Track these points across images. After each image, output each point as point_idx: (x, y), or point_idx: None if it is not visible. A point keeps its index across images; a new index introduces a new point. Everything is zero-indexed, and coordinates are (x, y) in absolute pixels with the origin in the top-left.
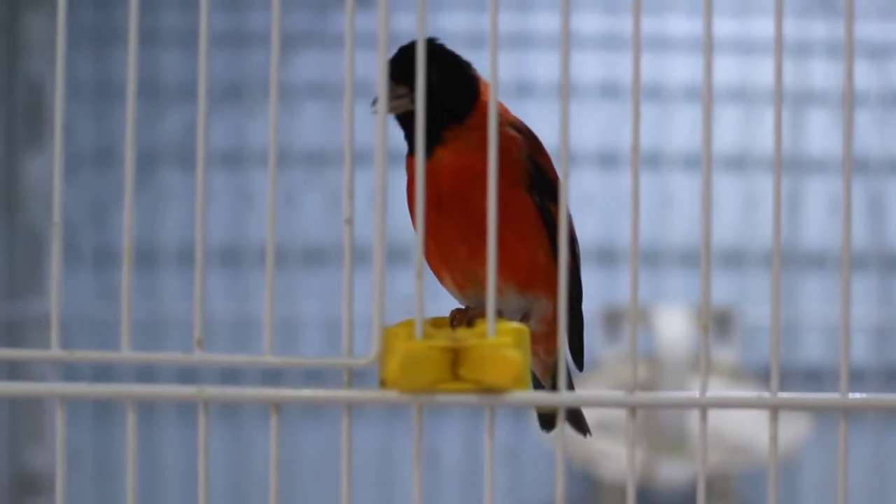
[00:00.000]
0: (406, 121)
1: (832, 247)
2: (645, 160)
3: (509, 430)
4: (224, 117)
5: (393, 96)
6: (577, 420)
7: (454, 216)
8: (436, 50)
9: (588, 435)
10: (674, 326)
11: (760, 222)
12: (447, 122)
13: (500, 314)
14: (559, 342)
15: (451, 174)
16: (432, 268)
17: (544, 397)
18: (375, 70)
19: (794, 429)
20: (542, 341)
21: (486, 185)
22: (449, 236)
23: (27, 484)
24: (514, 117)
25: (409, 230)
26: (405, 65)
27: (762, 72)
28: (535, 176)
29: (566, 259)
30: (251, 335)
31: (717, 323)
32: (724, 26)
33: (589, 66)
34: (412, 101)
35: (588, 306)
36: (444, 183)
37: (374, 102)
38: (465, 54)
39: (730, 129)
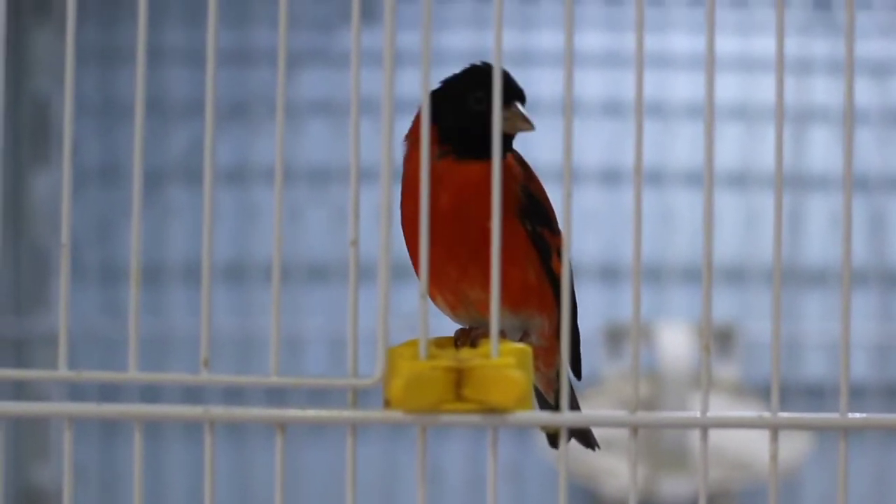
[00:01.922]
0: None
1: (833, 263)
2: (647, 177)
3: (513, 448)
4: (229, 135)
5: (522, 119)
6: (584, 436)
7: (446, 237)
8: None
9: (597, 448)
10: (676, 343)
11: (762, 239)
12: (480, 153)
13: (504, 334)
14: (561, 359)
15: (447, 189)
16: None
17: (547, 417)
18: (381, 87)
19: (796, 446)
20: (542, 355)
21: (480, 210)
22: (439, 257)
23: (33, 501)
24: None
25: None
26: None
27: (764, 89)
28: (526, 205)
29: (568, 279)
30: (256, 351)
31: (719, 339)
32: (725, 44)
33: (592, 84)
34: (531, 125)
35: (590, 323)
36: (440, 198)
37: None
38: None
39: (732, 146)
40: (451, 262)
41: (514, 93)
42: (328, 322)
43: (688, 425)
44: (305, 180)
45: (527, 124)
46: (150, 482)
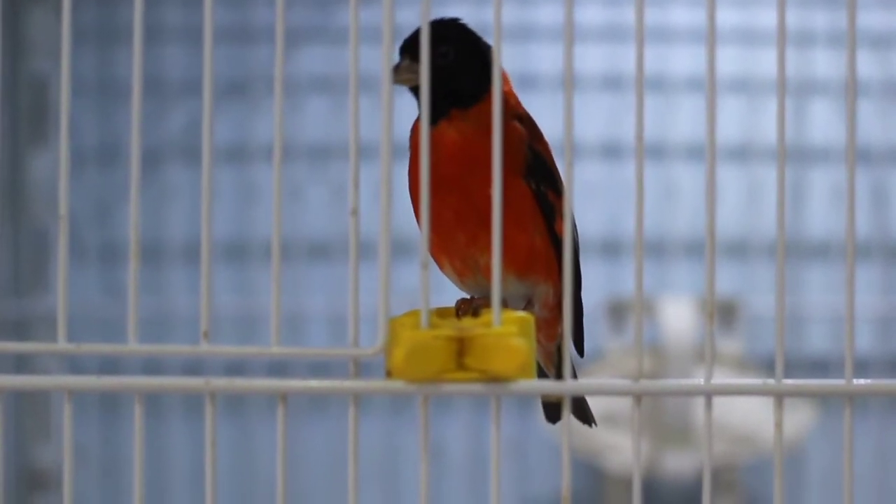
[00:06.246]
0: (418, 93)
1: (836, 236)
2: (648, 151)
3: (514, 423)
4: (227, 113)
5: (406, 70)
6: (581, 411)
7: (453, 202)
8: (457, 30)
9: (593, 425)
10: (678, 317)
11: (764, 212)
12: (457, 101)
13: (505, 303)
14: (563, 331)
15: (451, 153)
16: (432, 255)
17: (549, 386)
18: (379, 64)
19: (799, 418)
20: (543, 327)
21: (485, 171)
22: (448, 223)
23: (33, 480)
24: (519, 106)
25: (412, 223)
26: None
27: (765, 62)
28: (532, 164)
29: (570, 247)
30: (256, 330)
31: (722, 313)
32: (726, 17)
33: (592, 58)
34: (400, 77)
35: (592, 298)
36: (444, 162)
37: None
38: None
39: (733, 120)
40: (460, 227)
41: (408, 48)
42: (328, 300)
43: (691, 393)
44: (305, 158)
45: (403, 76)
46: (151, 462)
